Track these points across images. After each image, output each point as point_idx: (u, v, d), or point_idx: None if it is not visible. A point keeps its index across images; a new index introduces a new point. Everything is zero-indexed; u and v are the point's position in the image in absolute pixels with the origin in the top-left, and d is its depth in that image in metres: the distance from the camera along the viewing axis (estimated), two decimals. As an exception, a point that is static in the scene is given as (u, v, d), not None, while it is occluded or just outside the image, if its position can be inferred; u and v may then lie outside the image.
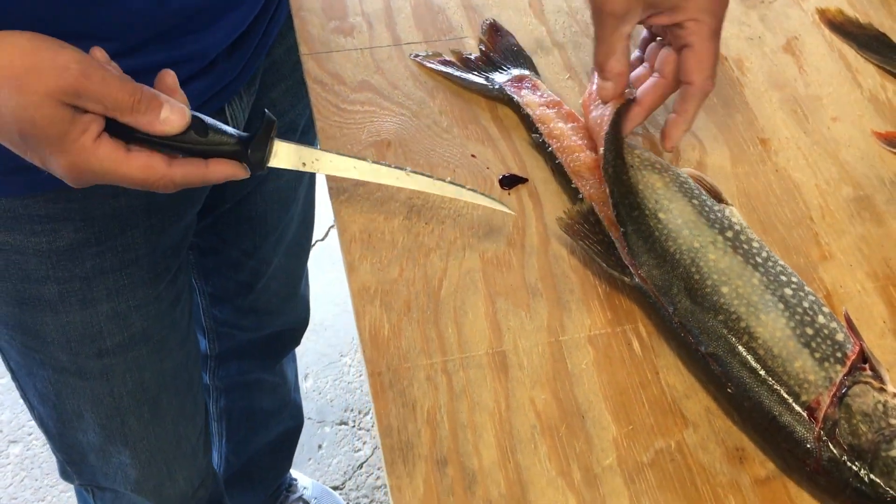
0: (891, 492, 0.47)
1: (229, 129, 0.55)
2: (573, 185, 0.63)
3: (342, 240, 0.62)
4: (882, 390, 0.50)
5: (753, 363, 0.51)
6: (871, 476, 0.47)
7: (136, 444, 0.86)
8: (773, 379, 0.50)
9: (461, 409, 0.54)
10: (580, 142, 0.65)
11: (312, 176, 0.97)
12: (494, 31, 0.75)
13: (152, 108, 0.51)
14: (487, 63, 0.72)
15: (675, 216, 0.57)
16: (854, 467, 0.47)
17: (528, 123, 0.68)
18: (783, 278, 0.55)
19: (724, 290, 0.54)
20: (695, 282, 0.54)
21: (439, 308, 0.59)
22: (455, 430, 0.53)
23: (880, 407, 0.49)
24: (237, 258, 0.97)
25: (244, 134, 0.56)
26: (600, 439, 0.53)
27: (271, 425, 1.20)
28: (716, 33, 0.59)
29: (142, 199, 0.71)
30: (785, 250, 0.62)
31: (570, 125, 0.67)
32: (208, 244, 0.95)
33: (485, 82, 0.71)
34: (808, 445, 0.49)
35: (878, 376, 0.50)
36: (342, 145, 0.67)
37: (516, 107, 0.69)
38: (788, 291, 0.54)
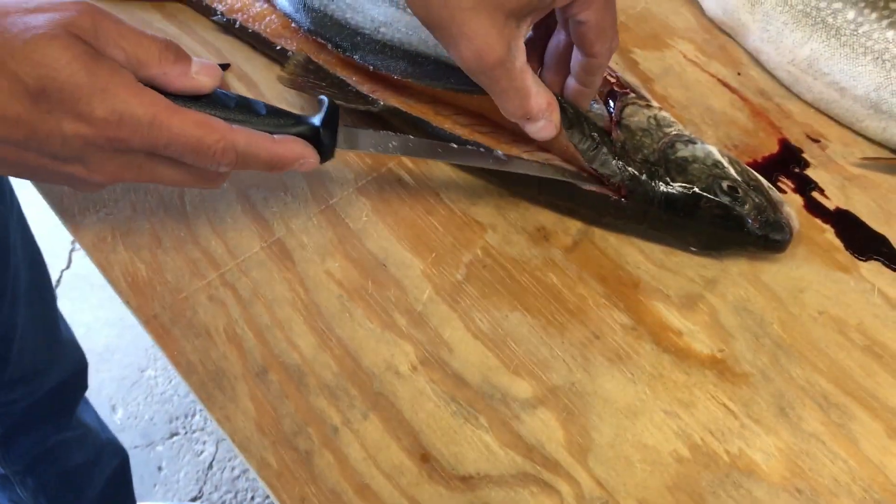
0: (693, 187, 0.48)
1: (291, 112, 0.46)
2: (279, 48, 0.57)
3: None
4: (649, 107, 0.51)
5: None
6: (671, 177, 0.48)
7: None
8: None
9: (258, 312, 0.49)
10: (265, 4, 0.59)
11: (21, 215, 0.83)
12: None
13: (181, 59, 0.41)
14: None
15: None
16: (655, 173, 0.48)
17: (202, 7, 0.62)
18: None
19: None
20: None
21: (192, 226, 0.52)
22: (262, 335, 0.48)
23: (653, 121, 0.50)
24: None
25: (309, 117, 0.46)
26: (410, 279, 0.50)
27: (95, 475, 1.06)
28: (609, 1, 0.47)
29: None
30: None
31: (246, -8, 0.61)
32: None
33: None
34: (614, 172, 0.48)
35: (641, 96, 0.51)
36: None
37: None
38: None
